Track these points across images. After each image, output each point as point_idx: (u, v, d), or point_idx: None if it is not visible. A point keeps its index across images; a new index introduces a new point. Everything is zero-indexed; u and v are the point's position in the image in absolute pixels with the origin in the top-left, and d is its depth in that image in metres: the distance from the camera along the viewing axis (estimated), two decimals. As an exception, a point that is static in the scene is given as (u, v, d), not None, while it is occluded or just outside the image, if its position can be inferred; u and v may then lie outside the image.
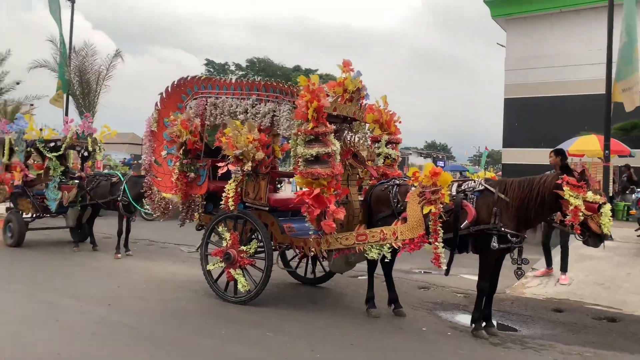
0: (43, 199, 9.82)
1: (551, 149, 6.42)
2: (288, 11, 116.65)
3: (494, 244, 4.69)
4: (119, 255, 8.91)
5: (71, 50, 18.80)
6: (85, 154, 10.15)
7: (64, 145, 9.51)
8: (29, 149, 9.72)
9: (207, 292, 6.30)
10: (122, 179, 9.08)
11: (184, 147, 6.21)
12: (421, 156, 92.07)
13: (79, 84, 18.78)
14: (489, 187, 4.90)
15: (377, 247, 5.10)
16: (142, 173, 7.95)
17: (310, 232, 5.71)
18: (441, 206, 4.72)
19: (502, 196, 4.78)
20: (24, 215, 10.03)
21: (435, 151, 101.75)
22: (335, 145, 5.23)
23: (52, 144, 9.56)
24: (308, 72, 76.02)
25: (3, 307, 5.37)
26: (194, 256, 9.39)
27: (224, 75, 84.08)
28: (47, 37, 17.82)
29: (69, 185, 9.59)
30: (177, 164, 6.24)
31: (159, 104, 6.73)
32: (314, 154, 5.12)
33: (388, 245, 5.03)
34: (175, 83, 6.56)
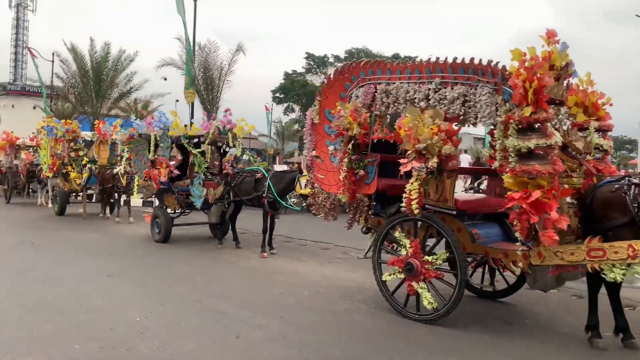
0: (187, 195, 9.81)
1: None
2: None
3: None
4: (265, 254, 8.57)
5: (195, 47, 19.26)
6: (227, 149, 10.04)
7: (206, 141, 9.39)
8: (173, 145, 9.74)
9: (378, 303, 5.60)
10: (266, 174, 8.73)
11: (353, 141, 5.51)
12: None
13: (203, 80, 19.19)
14: None
15: (622, 267, 4.01)
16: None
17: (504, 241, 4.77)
18: None
19: None
20: (169, 211, 10.14)
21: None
22: (557, 137, 4.19)
23: (195, 140, 9.48)
24: (407, 59, 74.09)
25: (179, 317, 5.05)
26: (340, 256, 8.84)
27: (324, 68, 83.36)
28: (174, 36, 18.37)
29: (213, 181, 9.48)
30: (345, 160, 5.56)
31: (319, 95, 6.09)
32: (532, 147, 4.14)
33: (640, 264, 3.93)
34: (339, 70, 5.88)
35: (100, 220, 12.97)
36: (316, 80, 75.14)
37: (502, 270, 5.85)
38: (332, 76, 5.95)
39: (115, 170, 12.50)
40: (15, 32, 62.32)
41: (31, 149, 17.50)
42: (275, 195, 8.43)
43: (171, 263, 7.84)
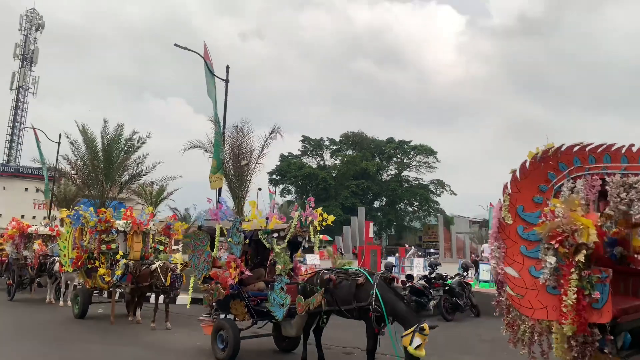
0: (259, 301, 8.15)
1: None
2: (364, 83, 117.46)
3: None
4: (373, 381, 6.81)
5: (225, 129, 18.26)
6: (306, 245, 8.53)
7: (287, 236, 7.88)
8: (247, 240, 8.20)
9: None
10: (371, 280, 7.15)
11: (586, 251, 4.08)
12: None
13: (233, 163, 18.00)
14: None
15: None
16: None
17: None
18: None
19: None
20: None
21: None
22: None
23: (275, 235, 7.97)
24: (402, 144, 74.81)
25: None
26: None
27: (320, 150, 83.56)
28: (207, 118, 17.35)
29: (292, 285, 7.87)
30: (573, 276, 4.09)
31: (509, 187, 4.72)
32: None
33: None
34: (540, 156, 4.56)
35: (131, 325, 11.01)
36: (312, 162, 75.86)
37: None
38: (527, 164, 4.61)
39: (153, 267, 10.80)
40: (14, 113, 61.95)
41: (41, 238, 15.73)
42: (384, 310, 6.79)
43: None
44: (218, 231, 8.51)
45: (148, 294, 11.75)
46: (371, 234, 24.46)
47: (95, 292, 12.09)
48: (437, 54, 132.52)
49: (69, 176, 27.10)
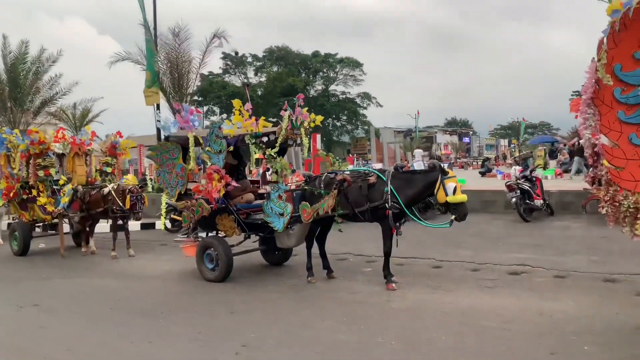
0: (249, 213, 7.25)
1: None
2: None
3: None
4: (394, 285, 6.30)
5: (156, 39, 16.09)
6: (295, 148, 7.58)
7: (279, 139, 6.86)
8: (231, 147, 7.06)
9: None
10: (383, 177, 6.42)
11: None
12: (447, 133, 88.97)
13: (170, 74, 16.04)
14: None
15: None
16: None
17: None
18: None
19: None
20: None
21: (459, 127, 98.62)
22: None
23: (265, 139, 6.90)
24: (328, 57, 73.03)
25: None
26: (489, 276, 6.72)
27: (243, 68, 79.51)
28: (138, 22, 14.95)
29: (289, 192, 6.98)
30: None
31: (605, 42, 3.91)
32: None
33: None
34: (644, 0, 3.73)
35: (87, 257, 9.70)
36: (236, 81, 72.19)
37: None
38: (630, 11, 3.77)
39: (106, 190, 9.41)
40: None
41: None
42: (402, 203, 6.19)
43: (282, 317, 5.32)
44: (192, 140, 7.27)
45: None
46: (319, 145, 23.79)
47: (37, 225, 10.51)
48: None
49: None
